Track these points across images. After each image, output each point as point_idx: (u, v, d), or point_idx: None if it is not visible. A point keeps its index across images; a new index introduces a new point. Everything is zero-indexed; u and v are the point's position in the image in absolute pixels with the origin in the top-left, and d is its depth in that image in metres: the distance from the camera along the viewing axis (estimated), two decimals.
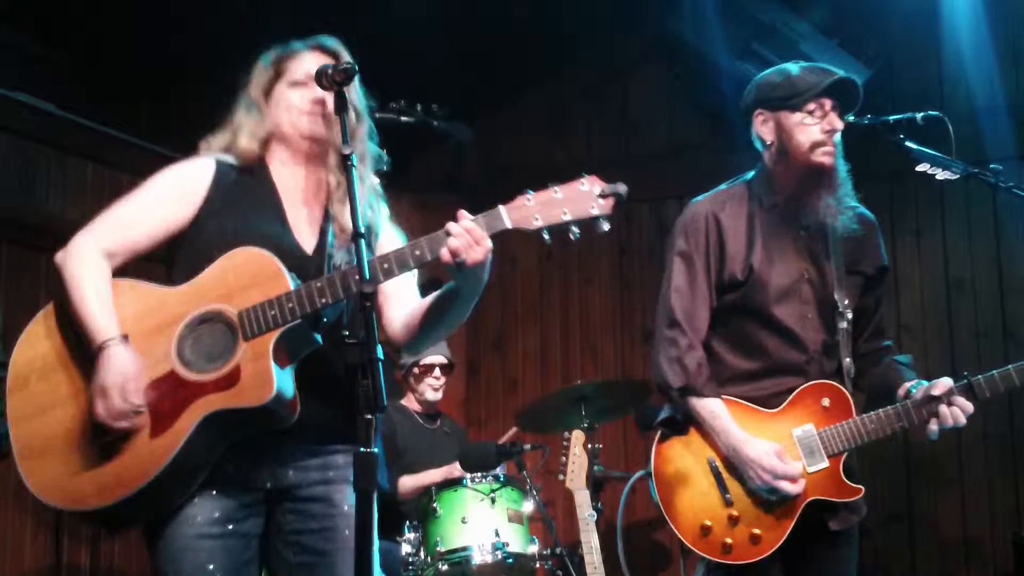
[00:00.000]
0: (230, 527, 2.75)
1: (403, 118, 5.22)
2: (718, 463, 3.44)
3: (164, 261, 2.93)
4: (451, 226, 2.63)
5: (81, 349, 2.76)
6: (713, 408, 3.45)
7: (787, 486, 3.33)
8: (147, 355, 2.71)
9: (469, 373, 7.46)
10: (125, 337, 2.71)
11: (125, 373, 2.65)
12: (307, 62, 2.97)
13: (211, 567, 2.71)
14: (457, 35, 6.17)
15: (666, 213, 6.94)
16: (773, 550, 3.36)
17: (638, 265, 7.12)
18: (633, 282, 7.16)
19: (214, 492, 2.74)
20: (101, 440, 2.69)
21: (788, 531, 3.36)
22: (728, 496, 3.41)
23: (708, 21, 6.13)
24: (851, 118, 3.48)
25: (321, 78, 2.78)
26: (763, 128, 3.52)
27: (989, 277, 6.19)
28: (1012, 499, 5.98)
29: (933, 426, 3.37)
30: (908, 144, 3.63)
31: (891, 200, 6.29)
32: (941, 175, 3.66)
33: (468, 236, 2.62)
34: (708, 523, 3.40)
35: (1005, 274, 6.15)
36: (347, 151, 2.64)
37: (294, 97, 2.94)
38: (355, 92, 2.97)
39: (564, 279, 7.33)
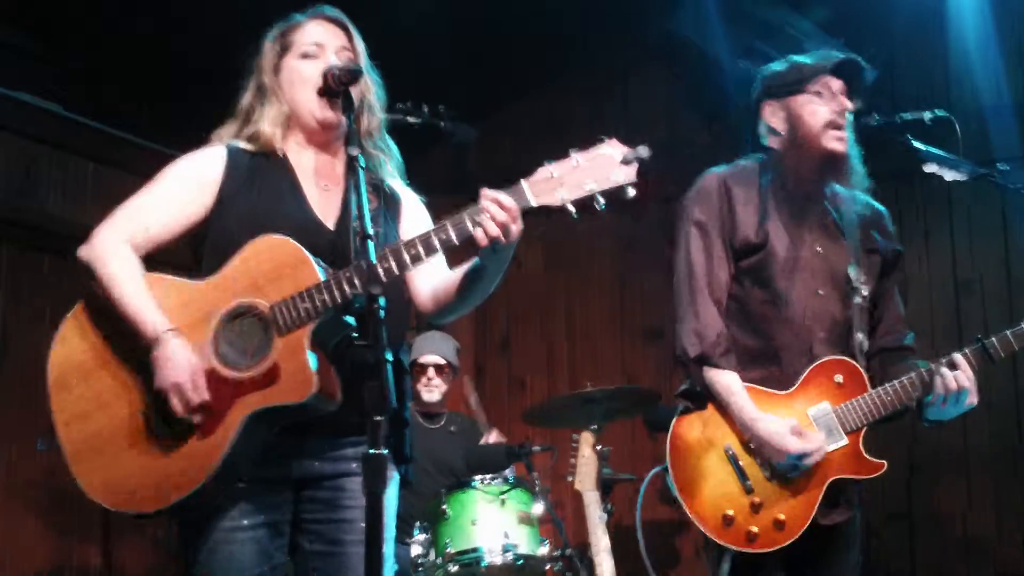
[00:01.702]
0: (261, 518, 2.78)
1: (410, 119, 5.24)
2: (735, 449, 3.39)
3: (193, 250, 2.92)
4: (487, 205, 2.57)
5: (119, 347, 2.76)
6: (729, 383, 3.39)
7: (807, 461, 3.29)
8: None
9: (476, 374, 7.45)
10: (175, 329, 2.70)
11: (192, 364, 2.64)
12: (312, 32, 2.97)
13: (245, 558, 2.75)
14: (458, 36, 6.16)
15: (669, 213, 6.93)
16: (800, 533, 3.31)
17: (642, 265, 7.11)
18: (636, 282, 7.16)
19: (245, 486, 2.75)
20: (150, 441, 2.70)
21: (813, 513, 3.32)
22: (748, 483, 3.36)
23: (710, 20, 6.12)
24: (859, 103, 3.48)
25: (327, 79, 2.78)
26: (773, 119, 3.52)
27: (997, 277, 6.16)
28: (1018, 499, 5.96)
29: (940, 390, 3.34)
30: (916, 145, 3.63)
31: (898, 201, 6.25)
32: (949, 176, 3.66)
33: (506, 215, 2.57)
34: (730, 513, 3.34)
35: (1014, 274, 6.12)
36: (353, 152, 2.61)
37: (306, 70, 2.92)
38: (368, 84, 2.97)
39: (568, 280, 7.33)
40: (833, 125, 3.40)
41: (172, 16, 5.48)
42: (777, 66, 3.55)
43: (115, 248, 2.78)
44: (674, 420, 3.49)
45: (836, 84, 3.44)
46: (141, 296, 2.73)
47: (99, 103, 5.93)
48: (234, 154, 2.93)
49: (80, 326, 2.81)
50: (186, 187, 2.88)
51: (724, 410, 3.41)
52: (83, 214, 5.62)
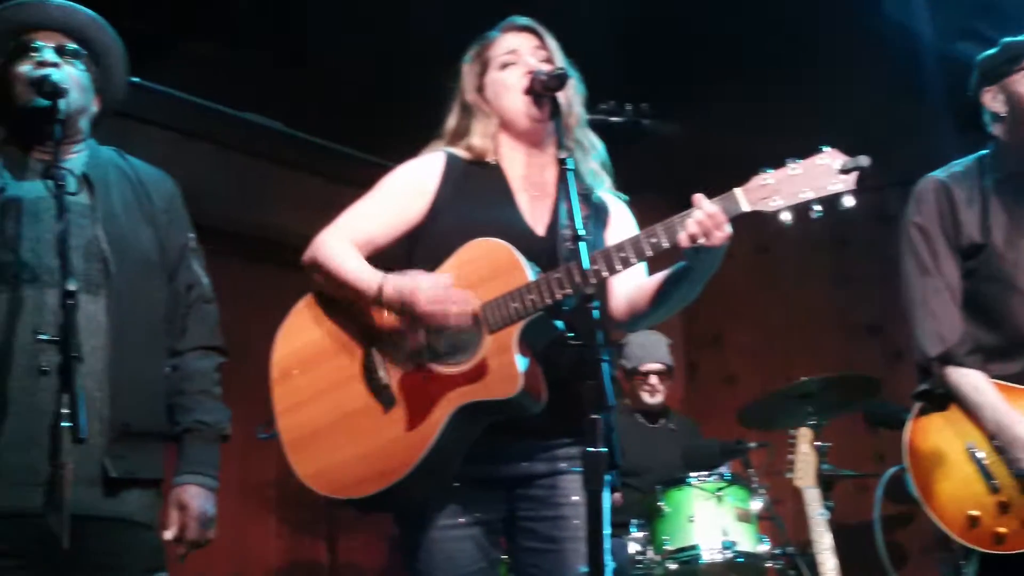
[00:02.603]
0: (476, 516, 2.85)
1: (613, 119, 5.26)
2: (978, 447, 3.26)
3: (406, 250, 3.00)
4: (693, 211, 2.61)
5: (338, 339, 2.88)
6: (976, 381, 3.28)
7: None
8: (401, 348, 2.79)
9: (688, 371, 7.43)
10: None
11: (416, 278, 2.73)
12: (507, 41, 3.04)
13: (463, 555, 2.82)
14: (661, 34, 6.13)
15: (885, 202, 6.75)
16: None
17: (857, 256, 6.96)
18: (852, 275, 7.00)
19: (457, 485, 2.82)
20: (363, 430, 2.79)
21: None
22: (994, 482, 3.21)
23: (921, 2, 5.96)
24: None
25: (533, 82, 2.85)
26: (994, 104, 3.40)
27: None
28: None
29: None
30: None
31: None
32: None
33: (710, 221, 2.59)
34: (975, 513, 3.21)
35: None
36: (563, 155, 2.66)
37: (508, 77, 2.99)
38: (570, 82, 2.98)
39: (780, 273, 7.24)
40: None
41: (385, 35, 5.63)
42: (987, 52, 3.45)
43: (333, 240, 2.91)
44: (911, 420, 3.41)
45: None
46: (357, 261, 2.85)
47: (317, 119, 6.17)
48: (451, 160, 3.02)
49: (302, 321, 2.94)
50: (404, 193, 2.99)
51: (968, 410, 3.30)
52: (305, 226, 5.82)
